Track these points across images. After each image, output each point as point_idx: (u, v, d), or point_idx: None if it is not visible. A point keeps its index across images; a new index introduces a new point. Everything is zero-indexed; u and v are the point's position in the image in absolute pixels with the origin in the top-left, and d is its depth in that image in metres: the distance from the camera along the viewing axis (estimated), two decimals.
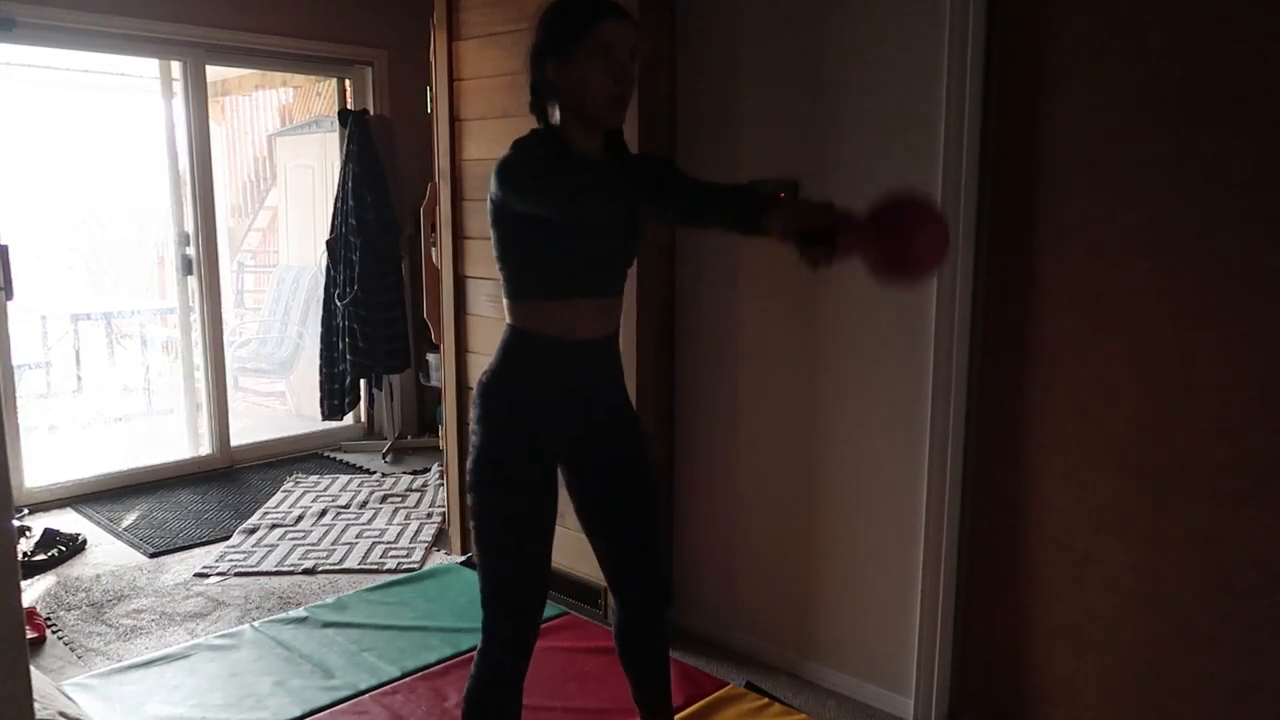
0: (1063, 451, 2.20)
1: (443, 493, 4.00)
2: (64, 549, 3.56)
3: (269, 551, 3.63)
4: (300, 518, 4.00)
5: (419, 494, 4.34)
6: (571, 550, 3.10)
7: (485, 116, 3.19)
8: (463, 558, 3.48)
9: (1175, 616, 2.06)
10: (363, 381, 4.98)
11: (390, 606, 3.11)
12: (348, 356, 4.71)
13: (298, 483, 4.50)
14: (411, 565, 3.49)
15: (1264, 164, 1.86)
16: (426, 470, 4.70)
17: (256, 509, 4.12)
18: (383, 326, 4.73)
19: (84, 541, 3.68)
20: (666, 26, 2.75)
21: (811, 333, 2.57)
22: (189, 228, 4.57)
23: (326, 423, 5.02)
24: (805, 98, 2.50)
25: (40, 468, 4.28)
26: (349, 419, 5.14)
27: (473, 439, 1.76)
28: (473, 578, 3.32)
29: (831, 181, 2.47)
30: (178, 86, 4.46)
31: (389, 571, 3.45)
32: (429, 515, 4.03)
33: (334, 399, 4.82)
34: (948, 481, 2.34)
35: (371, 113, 4.88)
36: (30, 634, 2.77)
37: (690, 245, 2.82)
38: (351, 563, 3.53)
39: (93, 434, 5.68)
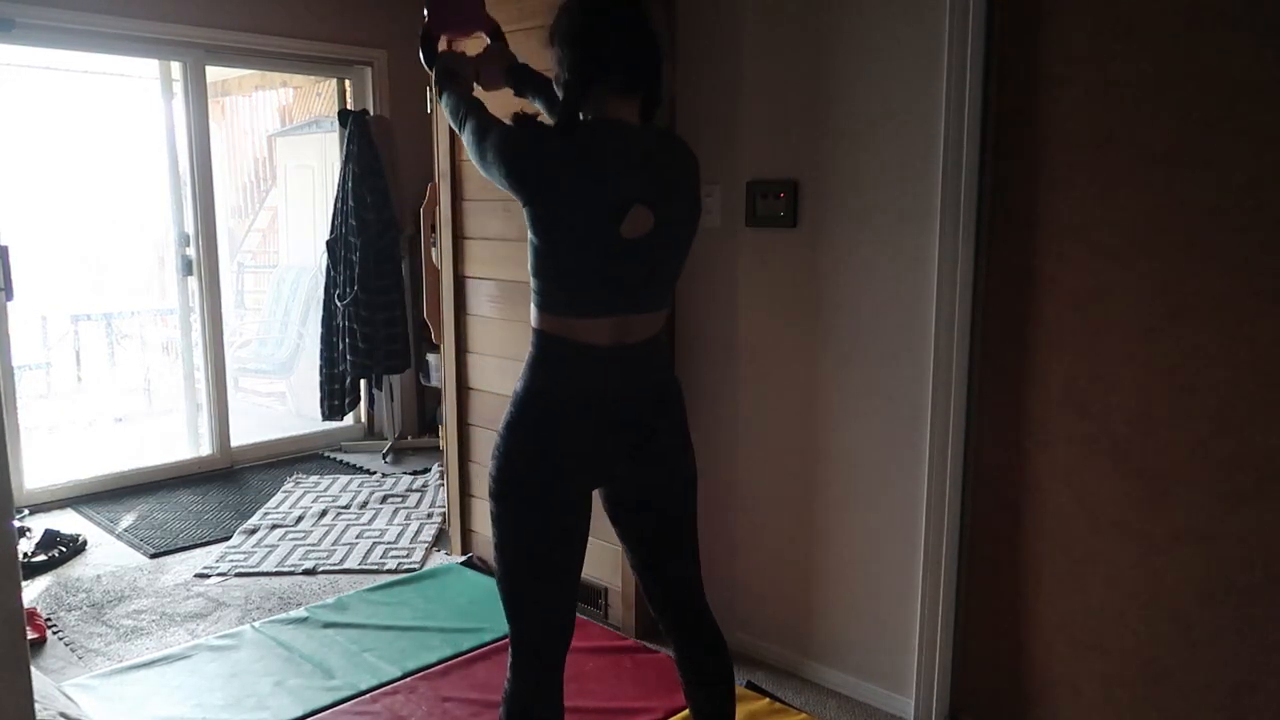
0: (1063, 451, 2.20)
1: (443, 493, 4.00)
2: (64, 550, 3.56)
3: (269, 552, 3.63)
4: (300, 518, 4.00)
5: (419, 494, 4.34)
6: None
7: None
8: (463, 558, 3.49)
9: (1175, 616, 2.06)
10: (363, 382, 4.98)
11: (390, 607, 3.11)
12: (348, 357, 4.71)
13: (298, 483, 4.50)
14: (412, 565, 3.49)
15: (1263, 164, 1.86)
16: (426, 470, 4.70)
17: (257, 509, 4.12)
18: (383, 327, 4.73)
19: (84, 542, 3.68)
20: (667, 27, 2.74)
21: (812, 333, 2.57)
22: (189, 228, 4.57)
23: (326, 423, 5.02)
24: (805, 97, 2.50)
25: (40, 468, 4.28)
26: (349, 419, 5.15)
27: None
28: (474, 578, 3.33)
29: (831, 181, 2.47)
30: (178, 87, 4.47)
31: (389, 572, 3.45)
32: (429, 515, 4.03)
33: (334, 399, 4.82)
34: (948, 481, 2.34)
35: (371, 113, 4.88)
36: (31, 635, 2.77)
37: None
38: (352, 563, 3.53)
39: (93, 434, 5.68)
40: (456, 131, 1.79)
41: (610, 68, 1.65)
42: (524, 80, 1.98)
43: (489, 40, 2.00)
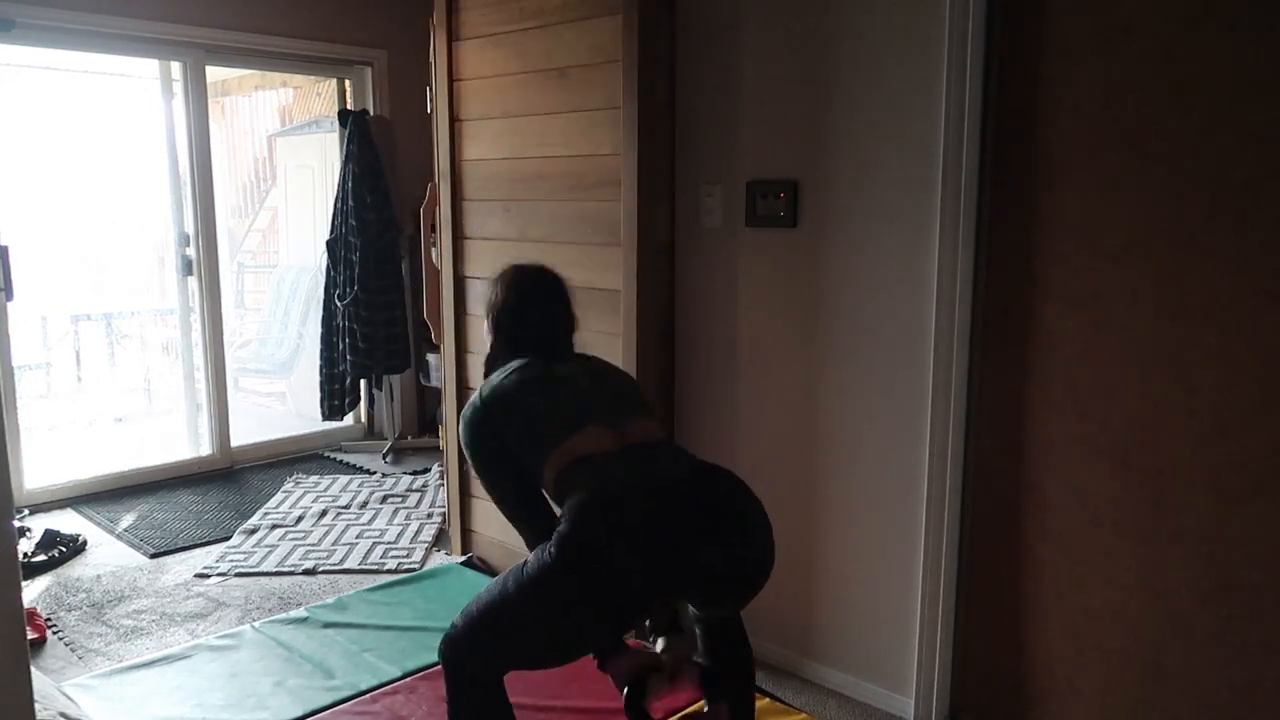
0: (1063, 451, 2.20)
1: (443, 493, 4.00)
2: (64, 550, 3.56)
3: (269, 552, 3.63)
4: (300, 518, 4.00)
5: (419, 494, 4.34)
6: None
7: (485, 116, 3.19)
8: (462, 558, 3.49)
9: (1175, 616, 2.06)
10: (363, 382, 4.98)
11: (390, 606, 3.11)
12: (348, 357, 4.71)
13: (298, 483, 4.50)
14: (412, 565, 3.49)
15: (1264, 164, 1.86)
16: (426, 470, 4.70)
17: (257, 509, 4.12)
18: (383, 327, 4.73)
19: (84, 542, 3.68)
20: (666, 27, 2.75)
21: (812, 333, 2.57)
22: (189, 228, 4.57)
23: (326, 423, 5.02)
24: (805, 97, 2.50)
25: (40, 468, 4.28)
26: (349, 419, 5.14)
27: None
28: (474, 578, 3.33)
29: (831, 181, 2.47)
30: (178, 87, 4.46)
31: (389, 572, 3.45)
32: (429, 515, 4.03)
33: (334, 399, 4.82)
34: (948, 482, 2.34)
35: (371, 113, 4.88)
36: (31, 635, 2.77)
37: (690, 247, 2.83)
38: (352, 563, 3.53)
39: (93, 434, 5.68)
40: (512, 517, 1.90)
41: (523, 347, 1.98)
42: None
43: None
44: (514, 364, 1.94)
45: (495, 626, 1.76)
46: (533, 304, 2.03)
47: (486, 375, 2.00)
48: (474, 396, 1.91)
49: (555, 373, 1.90)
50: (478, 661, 1.82)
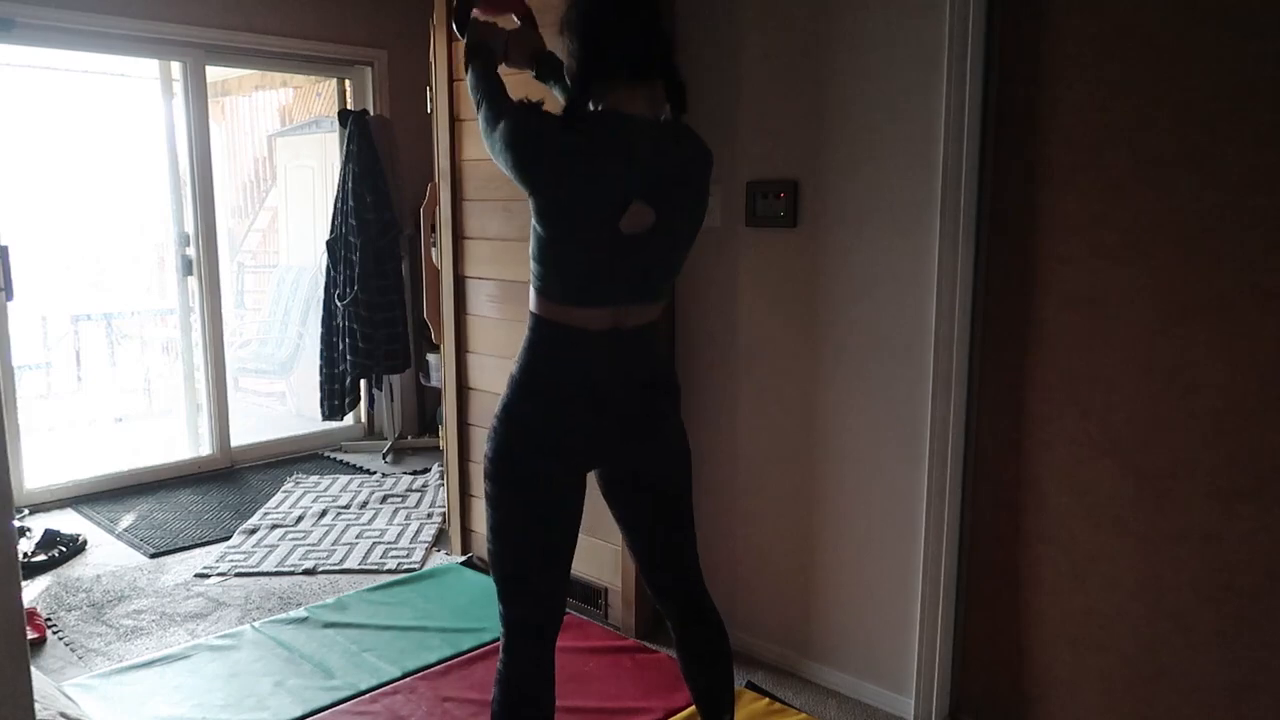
0: (1063, 451, 2.20)
1: (443, 493, 4.00)
2: (64, 549, 3.56)
3: (269, 552, 3.63)
4: (300, 518, 4.00)
5: (419, 494, 4.34)
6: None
7: None
8: (463, 558, 3.49)
9: (1175, 616, 2.06)
10: (363, 382, 4.98)
11: (390, 607, 3.11)
12: (348, 357, 4.71)
13: (298, 483, 4.50)
14: (412, 565, 3.50)
15: (1263, 164, 1.86)
16: (426, 470, 4.70)
17: (257, 509, 4.12)
18: (383, 327, 4.73)
19: (84, 542, 3.68)
20: (665, 27, 2.74)
21: (812, 332, 2.57)
22: (189, 228, 4.57)
23: (326, 423, 5.02)
24: (805, 98, 2.50)
25: (40, 468, 4.28)
26: (349, 419, 5.15)
27: None
28: (474, 578, 3.33)
29: (831, 181, 2.47)
30: (178, 87, 4.47)
31: (389, 572, 3.45)
32: (429, 515, 4.03)
33: (334, 399, 4.82)
34: (948, 482, 2.34)
35: (371, 113, 4.88)
36: (31, 634, 2.77)
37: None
38: (352, 563, 3.53)
39: (93, 434, 5.68)
40: (473, 107, 1.78)
41: (614, 59, 1.67)
42: (547, 66, 1.95)
43: (519, 22, 1.99)
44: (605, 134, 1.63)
45: (507, 526, 1.73)
46: (624, 21, 1.68)
47: (566, 121, 1.63)
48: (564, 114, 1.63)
49: (626, 234, 1.63)
50: (530, 590, 1.75)
